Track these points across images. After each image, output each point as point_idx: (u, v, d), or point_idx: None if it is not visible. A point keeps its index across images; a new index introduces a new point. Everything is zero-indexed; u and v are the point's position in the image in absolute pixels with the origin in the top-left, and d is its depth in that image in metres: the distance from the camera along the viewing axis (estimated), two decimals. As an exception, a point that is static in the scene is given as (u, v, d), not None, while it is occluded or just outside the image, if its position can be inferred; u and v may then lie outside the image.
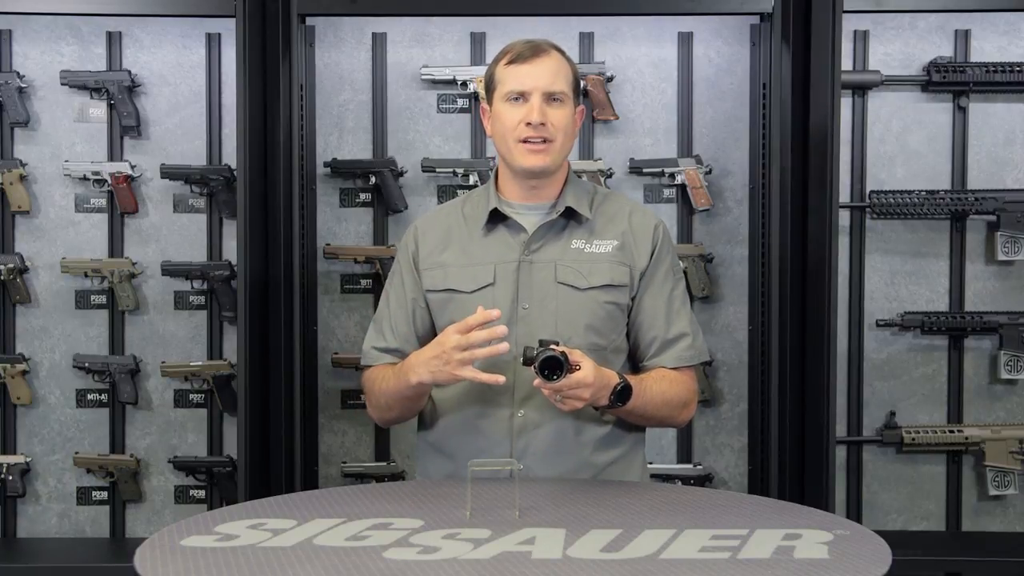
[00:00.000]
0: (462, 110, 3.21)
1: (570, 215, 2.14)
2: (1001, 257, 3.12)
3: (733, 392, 3.24)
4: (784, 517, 1.81)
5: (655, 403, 2.07)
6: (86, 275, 3.19)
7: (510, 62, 2.08)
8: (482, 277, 2.11)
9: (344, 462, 3.24)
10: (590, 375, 1.90)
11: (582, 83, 3.04)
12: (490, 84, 2.13)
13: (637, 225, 2.16)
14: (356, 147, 3.23)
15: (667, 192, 3.20)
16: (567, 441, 2.08)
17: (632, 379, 2.02)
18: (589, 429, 2.09)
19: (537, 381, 1.89)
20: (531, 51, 2.07)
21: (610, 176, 3.16)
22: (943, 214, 3.14)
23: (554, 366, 1.87)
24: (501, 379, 1.95)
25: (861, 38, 3.15)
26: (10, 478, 3.18)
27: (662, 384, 2.09)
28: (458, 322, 1.96)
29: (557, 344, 1.90)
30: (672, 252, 2.19)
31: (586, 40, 3.19)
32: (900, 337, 3.20)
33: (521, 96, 2.06)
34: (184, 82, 3.22)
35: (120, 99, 3.15)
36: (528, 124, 2.05)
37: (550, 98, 2.06)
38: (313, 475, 3.21)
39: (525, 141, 2.06)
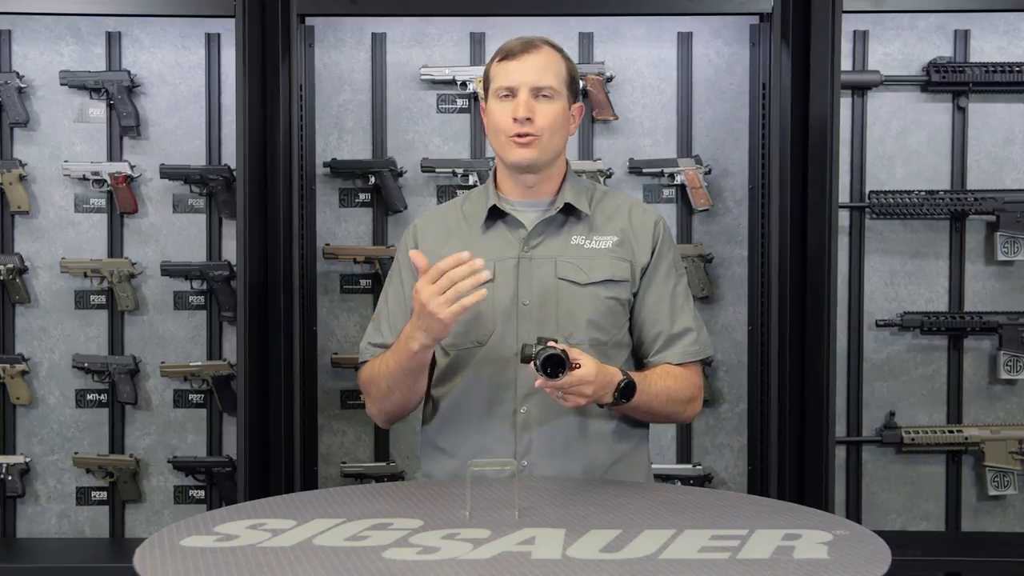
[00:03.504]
0: (462, 110, 3.21)
1: (569, 211, 2.14)
2: (1000, 257, 3.12)
3: (733, 392, 3.24)
4: (784, 517, 1.81)
5: (660, 399, 2.07)
6: (85, 275, 3.19)
7: (501, 59, 2.09)
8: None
9: (344, 462, 3.24)
10: (592, 372, 1.90)
11: (581, 83, 3.05)
12: (485, 82, 2.14)
13: (637, 221, 2.16)
14: (356, 147, 3.23)
15: (667, 192, 3.20)
16: (571, 438, 2.08)
17: (636, 375, 2.02)
18: (593, 425, 2.09)
19: (539, 381, 1.88)
20: (521, 47, 2.08)
21: (610, 176, 3.16)
22: (943, 214, 3.14)
23: (556, 364, 1.86)
24: (482, 292, 1.90)
25: (861, 38, 3.15)
26: (9, 478, 3.18)
27: (667, 380, 2.09)
28: (424, 275, 1.91)
29: (556, 341, 1.90)
30: (673, 248, 2.19)
31: (586, 40, 3.19)
32: (900, 337, 3.20)
33: (510, 92, 2.06)
34: (184, 82, 3.22)
35: (119, 99, 3.15)
36: (515, 120, 2.05)
37: (537, 93, 2.06)
38: (313, 475, 3.21)
39: (516, 136, 2.06)
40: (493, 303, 2.08)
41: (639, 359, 2.18)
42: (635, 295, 2.14)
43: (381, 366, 2.11)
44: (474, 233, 2.15)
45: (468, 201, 2.22)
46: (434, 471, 2.18)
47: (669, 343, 2.13)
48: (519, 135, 2.05)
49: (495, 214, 2.14)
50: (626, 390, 1.98)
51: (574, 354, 1.90)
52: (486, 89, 2.14)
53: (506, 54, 2.08)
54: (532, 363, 1.89)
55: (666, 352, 2.13)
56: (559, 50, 2.12)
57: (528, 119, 2.04)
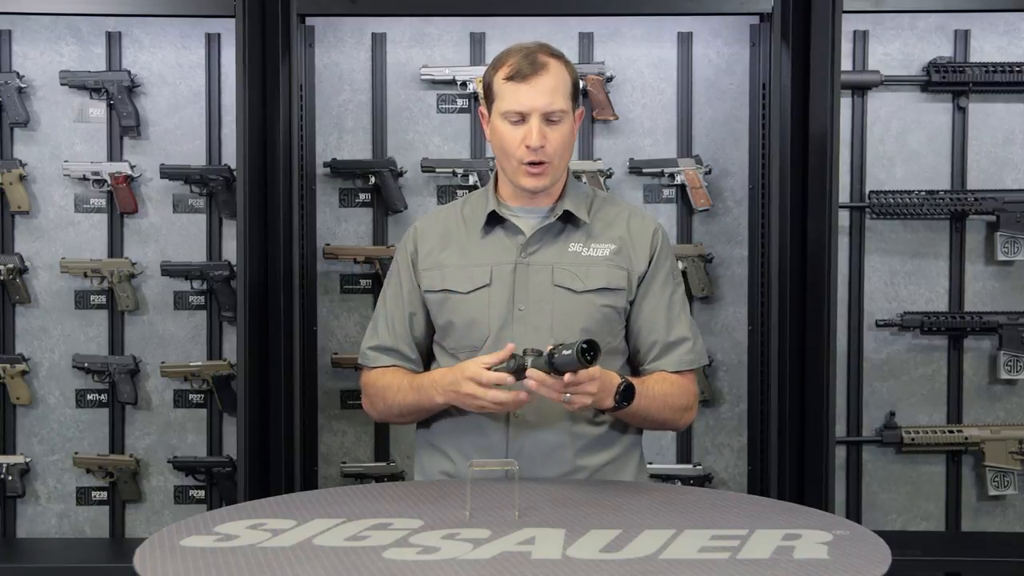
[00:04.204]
0: (462, 110, 3.21)
1: (568, 219, 2.14)
2: (1001, 257, 3.12)
3: (733, 392, 3.24)
4: (784, 517, 1.81)
5: (657, 404, 2.08)
6: (86, 275, 3.19)
7: (508, 78, 2.06)
8: (478, 278, 2.11)
9: (344, 462, 3.24)
10: (596, 369, 1.90)
11: (581, 83, 3.05)
12: (488, 92, 2.11)
13: (636, 230, 2.16)
14: (356, 147, 3.23)
15: (667, 192, 3.20)
16: (563, 442, 2.08)
17: (634, 380, 2.03)
18: (584, 431, 2.10)
19: (568, 376, 1.87)
20: (530, 67, 2.04)
21: (610, 176, 3.16)
22: (943, 214, 3.14)
23: (596, 348, 1.85)
24: (523, 402, 1.95)
25: (861, 38, 3.15)
26: (10, 478, 3.18)
27: (663, 386, 2.09)
28: (475, 368, 1.95)
29: (541, 352, 1.90)
30: (671, 256, 2.19)
31: (586, 40, 3.19)
32: (900, 337, 3.20)
33: (521, 118, 2.05)
34: (184, 82, 3.22)
35: (120, 99, 3.15)
36: (528, 148, 2.04)
37: (548, 118, 2.05)
38: (313, 475, 3.21)
39: (528, 164, 2.06)
40: (489, 308, 2.09)
41: (635, 367, 2.18)
42: (632, 303, 2.14)
43: (396, 395, 2.13)
44: (473, 237, 2.15)
45: (468, 204, 2.22)
46: (428, 470, 2.18)
47: (665, 351, 2.13)
48: (531, 163, 2.05)
49: (494, 219, 2.14)
50: (627, 393, 1.98)
51: None
52: (488, 99, 2.11)
53: (513, 74, 2.05)
54: (522, 369, 1.89)
55: (662, 360, 2.13)
56: (561, 57, 2.10)
57: (541, 146, 2.04)
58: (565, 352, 1.85)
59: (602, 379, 1.93)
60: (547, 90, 2.04)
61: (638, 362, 2.16)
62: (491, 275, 2.11)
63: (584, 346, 1.84)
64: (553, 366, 1.88)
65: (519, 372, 1.91)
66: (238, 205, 2.93)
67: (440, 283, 2.14)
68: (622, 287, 2.11)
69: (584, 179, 3.06)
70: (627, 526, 1.71)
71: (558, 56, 2.09)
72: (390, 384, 2.15)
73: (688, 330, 2.15)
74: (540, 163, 2.05)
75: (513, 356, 1.92)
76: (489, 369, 1.94)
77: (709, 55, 3.20)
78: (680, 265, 3.10)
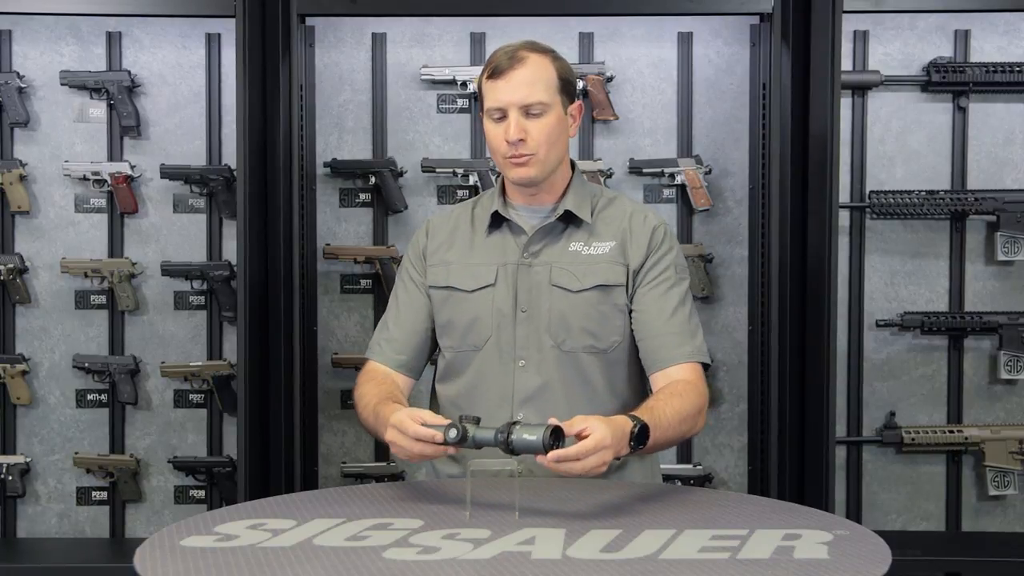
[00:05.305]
0: (462, 110, 3.21)
1: (570, 218, 2.13)
2: (1001, 257, 3.12)
3: (733, 392, 3.24)
4: (784, 517, 1.81)
5: (673, 427, 1.97)
6: (86, 275, 3.19)
7: (489, 76, 2.05)
8: (484, 277, 2.11)
9: (344, 462, 3.25)
10: (607, 436, 1.78)
11: (581, 83, 3.05)
12: (479, 95, 2.12)
13: (636, 225, 2.14)
14: (356, 147, 3.23)
15: (667, 192, 3.20)
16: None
17: (643, 412, 1.92)
18: None
19: (540, 458, 1.76)
20: (507, 62, 2.03)
21: (610, 176, 3.16)
22: (943, 214, 3.14)
23: (561, 436, 1.76)
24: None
25: (861, 38, 3.15)
26: (10, 478, 3.18)
27: (672, 402, 2.00)
28: (400, 417, 1.87)
29: (479, 419, 1.82)
30: (673, 252, 2.15)
31: (586, 40, 3.19)
32: (900, 337, 3.20)
33: (501, 113, 2.04)
34: (184, 82, 3.22)
35: (120, 99, 3.15)
36: (508, 143, 2.03)
37: (527, 111, 2.03)
38: (313, 475, 3.21)
39: (511, 157, 2.05)
40: (492, 307, 2.09)
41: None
42: (632, 299, 2.12)
43: (363, 411, 2.09)
44: (478, 237, 2.15)
45: (480, 204, 2.22)
46: (437, 471, 2.18)
47: (660, 349, 2.07)
48: (515, 156, 2.04)
49: (500, 218, 2.14)
50: (641, 435, 1.87)
51: (576, 424, 1.80)
52: (480, 102, 2.12)
53: (493, 71, 2.04)
54: (507, 444, 1.78)
55: (656, 358, 2.07)
56: (547, 52, 2.08)
57: (521, 140, 2.02)
58: (527, 437, 1.75)
59: (615, 435, 1.81)
60: (523, 83, 2.03)
61: (640, 359, 2.14)
62: (496, 275, 2.10)
63: (551, 435, 1.74)
64: (510, 446, 1.77)
65: (462, 441, 1.80)
66: (238, 205, 2.94)
67: (444, 280, 2.14)
68: (620, 283, 2.09)
69: (591, 184, 3.05)
70: (627, 526, 1.71)
71: (542, 51, 2.08)
72: (364, 395, 2.12)
73: (685, 326, 2.09)
74: (523, 155, 2.04)
75: (453, 425, 1.81)
76: (425, 426, 1.85)
77: (709, 55, 3.20)
78: (685, 266, 3.09)
